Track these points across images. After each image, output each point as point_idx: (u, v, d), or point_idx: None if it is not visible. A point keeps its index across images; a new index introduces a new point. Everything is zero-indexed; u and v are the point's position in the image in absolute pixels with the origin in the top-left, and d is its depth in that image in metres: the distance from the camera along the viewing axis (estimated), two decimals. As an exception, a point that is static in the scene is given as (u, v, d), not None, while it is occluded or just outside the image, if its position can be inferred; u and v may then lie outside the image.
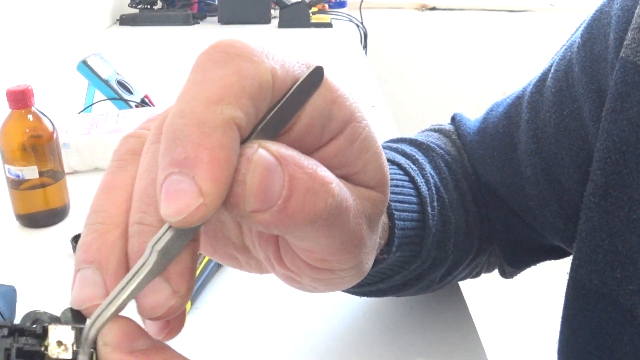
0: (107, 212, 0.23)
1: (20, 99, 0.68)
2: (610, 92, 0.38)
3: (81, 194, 0.76)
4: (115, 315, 0.21)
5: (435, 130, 0.55)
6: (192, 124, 0.21)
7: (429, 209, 0.42)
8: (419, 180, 0.43)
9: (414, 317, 0.53)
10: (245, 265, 0.30)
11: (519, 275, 0.57)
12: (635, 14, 0.38)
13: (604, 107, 0.39)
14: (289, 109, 0.23)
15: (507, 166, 0.49)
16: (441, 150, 0.51)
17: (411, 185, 0.42)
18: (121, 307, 0.21)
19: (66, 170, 0.76)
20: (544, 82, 0.47)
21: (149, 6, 1.92)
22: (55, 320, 0.22)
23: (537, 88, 0.47)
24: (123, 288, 0.21)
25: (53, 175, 0.72)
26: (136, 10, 1.92)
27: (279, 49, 0.24)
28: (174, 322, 0.24)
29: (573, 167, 0.43)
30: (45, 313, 0.22)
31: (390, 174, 0.42)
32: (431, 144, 0.51)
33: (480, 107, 0.56)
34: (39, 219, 0.72)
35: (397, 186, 0.41)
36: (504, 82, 2.47)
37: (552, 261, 0.55)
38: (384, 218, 0.37)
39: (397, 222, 0.38)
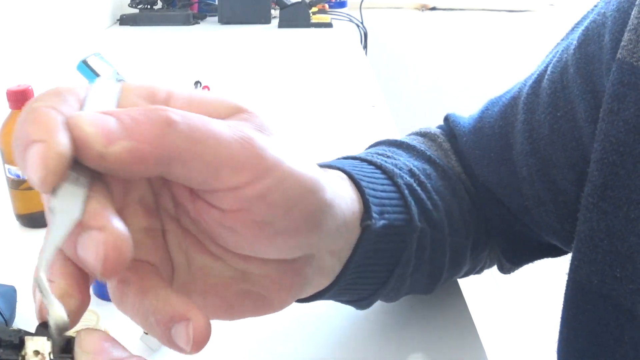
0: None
1: (20, 99, 0.68)
2: (607, 93, 0.38)
3: (81, 194, 0.76)
4: (53, 254, 0.23)
5: (420, 135, 0.56)
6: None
7: (399, 180, 0.43)
8: (384, 163, 0.44)
9: (414, 316, 0.53)
10: (269, 289, 0.32)
11: (518, 275, 0.57)
12: (632, 16, 0.38)
13: (598, 108, 0.39)
14: None
15: (503, 167, 0.49)
16: (422, 147, 0.51)
17: (374, 168, 0.43)
18: (57, 246, 0.23)
19: (66, 170, 0.76)
20: (539, 83, 0.47)
21: (149, 6, 1.92)
22: (30, 334, 0.23)
23: (533, 89, 0.47)
24: (49, 241, 0.23)
25: (53, 175, 0.72)
26: (136, 10, 1.92)
27: None
28: (198, 337, 0.26)
29: (567, 167, 0.44)
30: (20, 330, 0.23)
31: (343, 158, 0.43)
32: (411, 142, 0.52)
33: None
34: (39, 219, 0.72)
35: (355, 167, 0.42)
36: (504, 82, 2.46)
37: (551, 262, 0.55)
38: (352, 193, 0.37)
39: (365, 190, 0.38)
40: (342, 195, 0.35)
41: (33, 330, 0.23)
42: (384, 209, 0.39)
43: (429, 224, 0.44)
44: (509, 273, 0.57)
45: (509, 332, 1.80)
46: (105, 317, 0.50)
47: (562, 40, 0.48)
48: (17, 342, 0.22)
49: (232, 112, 0.28)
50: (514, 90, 0.51)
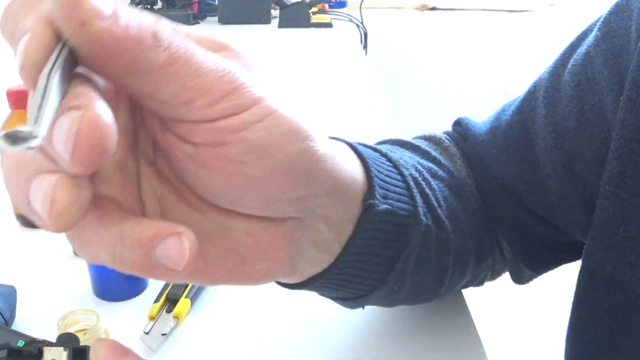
0: None
1: (21, 99, 0.68)
2: (627, 81, 0.38)
3: (81, 194, 0.76)
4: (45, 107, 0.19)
5: (425, 138, 0.55)
6: None
7: (405, 171, 0.41)
8: (389, 153, 0.42)
9: (414, 317, 0.53)
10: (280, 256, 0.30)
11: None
12: None
13: None
14: None
15: (525, 164, 0.48)
16: (427, 148, 0.50)
17: (379, 154, 0.41)
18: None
19: (66, 170, 0.76)
20: (559, 77, 0.46)
21: (149, 6, 1.93)
22: (49, 345, 0.25)
23: (552, 83, 0.47)
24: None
25: (53, 175, 0.72)
26: (136, 10, 1.92)
27: None
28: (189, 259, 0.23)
29: (594, 161, 0.43)
30: (45, 341, 0.26)
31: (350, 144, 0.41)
32: (416, 143, 0.51)
33: (480, 107, 0.55)
34: (39, 219, 0.72)
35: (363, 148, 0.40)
36: (504, 82, 2.47)
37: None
38: (357, 168, 0.35)
39: (372, 168, 0.37)
40: (342, 157, 0.32)
41: (34, 335, 0.25)
42: (388, 194, 0.38)
43: (435, 222, 0.43)
44: (527, 282, 0.55)
45: (509, 332, 1.80)
46: (105, 316, 0.50)
47: (580, 34, 0.47)
48: (36, 352, 0.24)
49: (216, 49, 0.26)
50: (530, 86, 0.50)
